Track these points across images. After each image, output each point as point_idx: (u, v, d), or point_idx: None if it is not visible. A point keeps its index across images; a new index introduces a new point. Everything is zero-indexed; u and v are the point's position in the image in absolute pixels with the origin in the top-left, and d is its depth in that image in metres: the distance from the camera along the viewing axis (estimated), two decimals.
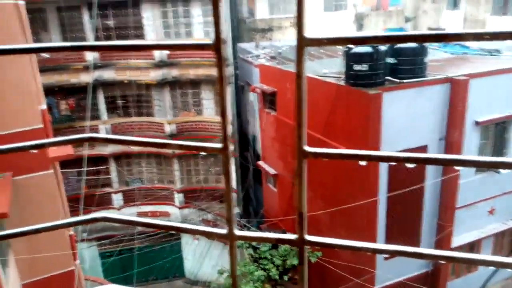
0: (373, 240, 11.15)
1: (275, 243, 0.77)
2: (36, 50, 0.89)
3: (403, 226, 11.52)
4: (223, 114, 0.73)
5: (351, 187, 11.24)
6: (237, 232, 0.76)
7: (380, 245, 0.76)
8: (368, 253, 0.74)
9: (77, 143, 0.85)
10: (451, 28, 23.85)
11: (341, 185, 11.71)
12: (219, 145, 0.75)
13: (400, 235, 11.44)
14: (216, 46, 0.75)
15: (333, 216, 11.89)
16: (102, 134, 0.88)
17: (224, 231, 0.78)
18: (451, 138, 11.07)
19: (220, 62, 0.76)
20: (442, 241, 11.75)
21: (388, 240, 11.38)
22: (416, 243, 11.67)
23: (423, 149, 11.15)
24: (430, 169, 11.12)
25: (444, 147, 11.19)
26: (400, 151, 10.60)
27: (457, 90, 10.74)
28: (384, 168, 10.71)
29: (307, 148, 0.69)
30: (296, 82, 0.68)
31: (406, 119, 10.65)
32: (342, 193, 11.57)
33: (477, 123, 11.26)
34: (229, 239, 0.77)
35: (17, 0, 9.11)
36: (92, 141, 0.91)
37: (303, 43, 0.66)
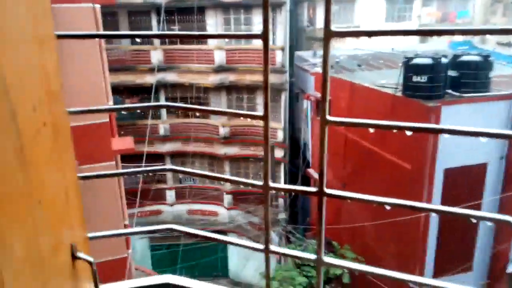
0: (423, 255, 10.81)
1: (298, 193, 0.94)
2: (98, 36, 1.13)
3: (456, 244, 11.04)
4: (265, 87, 0.93)
5: (403, 199, 10.96)
6: (271, 184, 0.95)
7: (395, 200, 0.91)
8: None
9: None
10: None
11: (392, 197, 11.45)
12: (260, 113, 0.95)
13: (452, 253, 10.97)
14: (264, 36, 0.95)
15: (380, 227, 11.66)
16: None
17: (260, 182, 0.97)
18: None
19: (266, 49, 0.96)
20: (496, 266, 11.11)
21: (438, 260, 10.97)
22: (468, 264, 11.13)
23: (482, 166, 10.67)
24: (488, 185, 10.62)
25: (505, 166, 10.62)
26: (458, 167, 10.23)
27: None
28: (439, 181, 10.38)
29: (329, 117, 0.86)
30: (322, 66, 0.86)
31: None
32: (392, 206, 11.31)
33: None
34: (263, 189, 0.96)
35: (94, 4, 9.98)
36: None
37: (329, 34, 0.84)
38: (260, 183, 0.97)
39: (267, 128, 0.95)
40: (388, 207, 0.90)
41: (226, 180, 1.05)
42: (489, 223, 0.78)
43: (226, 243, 1.01)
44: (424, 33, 0.82)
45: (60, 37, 0.93)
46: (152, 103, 1.07)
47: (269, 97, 0.95)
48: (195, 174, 1.05)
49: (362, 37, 0.88)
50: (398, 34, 0.84)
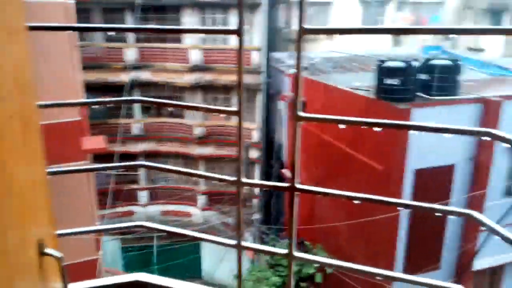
0: (392, 255, 11.06)
1: (271, 189, 0.96)
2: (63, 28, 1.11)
3: (424, 243, 11.35)
4: (239, 83, 0.94)
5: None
6: (244, 179, 0.96)
7: (364, 195, 0.93)
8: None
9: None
10: (491, 48, 23.36)
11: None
12: (234, 108, 0.95)
13: (421, 252, 11.28)
14: (238, 31, 0.96)
15: (352, 227, 11.86)
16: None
17: (233, 178, 0.97)
18: (480, 159, 10.88)
19: (240, 45, 0.97)
20: (463, 263, 11.50)
21: (408, 258, 11.25)
22: (437, 262, 11.47)
23: (450, 167, 11.02)
24: (457, 186, 10.98)
25: (473, 167, 11.01)
26: (427, 168, 10.52)
27: (489, 111, 10.59)
28: (410, 181, 10.65)
29: (301, 113, 0.88)
30: (295, 63, 0.87)
31: (435, 137, 10.55)
32: (365, 206, 11.54)
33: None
34: (236, 185, 0.97)
35: (67, 0, 9.75)
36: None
37: (302, 31, 0.85)
38: (233, 178, 0.98)
39: (240, 124, 0.96)
40: (356, 202, 0.92)
41: (199, 176, 1.05)
42: (452, 217, 0.81)
43: (197, 239, 1.01)
44: (390, 32, 0.85)
45: (31, 28, 0.91)
46: (124, 98, 1.06)
47: (242, 93, 0.96)
48: (167, 170, 1.05)
49: (334, 34, 0.90)
50: (368, 33, 0.86)
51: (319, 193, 0.89)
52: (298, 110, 0.85)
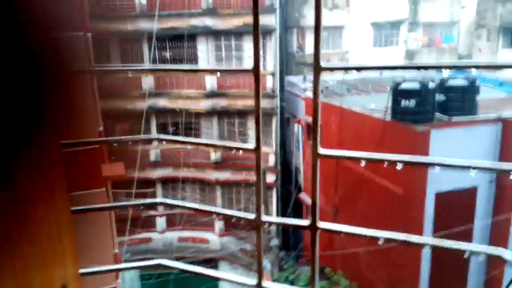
0: (416, 282, 10.70)
1: (292, 228, 0.93)
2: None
3: (448, 270, 10.96)
4: (257, 120, 0.93)
5: (395, 223, 10.94)
6: (264, 217, 0.94)
7: (388, 233, 0.90)
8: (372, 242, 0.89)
9: (146, 141, 1.08)
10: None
11: (385, 223, 11.43)
12: (251, 145, 0.95)
13: (445, 279, 10.89)
14: (255, 70, 0.96)
15: (374, 253, 11.56)
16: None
17: (252, 215, 0.96)
18: (502, 181, 10.58)
19: (257, 83, 0.97)
20: None
21: (432, 286, 10.87)
22: None
23: (472, 190, 10.74)
24: (479, 209, 10.66)
25: (495, 189, 10.70)
26: (448, 191, 10.26)
27: (509, 131, 10.36)
28: (431, 205, 10.40)
29: (321, 150, 0.87)
30: (313, 99, 0.87)
31: (455, 158, 10.33)
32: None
33: None
34: (255, 224, 0.95)
35: (86, 33, 10.09)
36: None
37: (319, 69, 0.85)
38: (252, 216, 0.96)
39: (259, 161, 0.95)
40: (381, 242, 0.89)
41: (218, 214, 1.04)
42: (480, 258, 0.78)
43: (216, 279, 0.99)
44: (407, 68, 0.84)
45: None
46: (143, 136, 1.07)
47: (261, 130, 0.95)
48: (186, 207, 1.04)
49: (350, 71, 0.90)
50: (385, 69, 0.85)
51: (342, 232, 0.87)
52: (318, 147, 0.83)
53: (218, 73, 0.96)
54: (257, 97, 0.92)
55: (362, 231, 0.86)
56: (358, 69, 0.83)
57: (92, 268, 1.06)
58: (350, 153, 0.85)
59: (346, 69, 0.83)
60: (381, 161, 0.84)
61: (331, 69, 0.85)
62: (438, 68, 0.80)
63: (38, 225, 0.73)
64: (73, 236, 0.95)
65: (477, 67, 0.77)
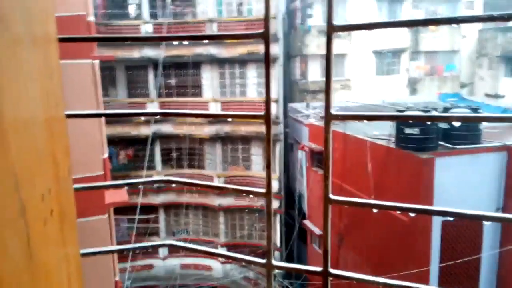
0: None
1: (304, 273, 0.94)
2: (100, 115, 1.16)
3: None
4: (268, 165, 0.95)
5: (401, 253, 10.77)
6: (275, 262, 0.94)
7: (402, 282, 0.90)
8: None
9: (155, 184, 1.09)
10: (510, 95, 23.23)
11: (390, 251, 11.26)
12: (263, 190, 0.96)
13: None
14: (266, 117, 0.98)
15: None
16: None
17: (263, 260, 0.96)
18: (509, 209, 10.46)
19: (268, 130, 0.99)
20: None
21: None
22: None
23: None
24: (487, 238, 10.49)
25: None
26: (455, 220, 10.11)
27: None
28: (437, 234, 10.25)
29: (332, 196, 0.88)
30: (324, 147, 0.88)
31: (460, 186, 10.29)
32: (392, 259, 11.10)
33: None
34: (266, 268, 0.95)
35: (93, 60, 10.30)
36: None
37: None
38: (263, 261, 0.96)
39: (270, 205, 0.96)
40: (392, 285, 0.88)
41: (228, 257, 1.04)
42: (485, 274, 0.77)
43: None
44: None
45: (68, 116, 0.96)
46: (150, 179, 1.08)
47: (271, 175, 0.96)
48: (195, 250, 1.04)
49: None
50: (396, 119, 0.87)
51: (354, 279, 0.87)
52: (329, 192, 0.84)
53: (229, 119, 0.98)
54: (268, 143, 0.93)
55: (375, 279, 0.85)
56: (369, 118, 0.85)
57: None
58: (361, 200, 0.86)
59: (357, 118, 0.85)
60: (393, 208, 0.85)
61: (342, 117, 0.87)
62: (449, 120, 0.81)
63: (49, 276, 0.73)
64: (81, 280, 0.95)
65: (485, 119, 0.79)
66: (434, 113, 10.74)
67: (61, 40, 0.96)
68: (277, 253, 18.78)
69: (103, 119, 11.24)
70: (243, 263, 0.97)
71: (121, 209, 16.06)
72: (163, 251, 20.17)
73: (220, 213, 19.77)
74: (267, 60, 0.90)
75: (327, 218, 0.88)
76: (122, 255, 14.59)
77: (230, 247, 19.68)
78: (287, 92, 21.74)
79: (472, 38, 26.13)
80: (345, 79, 24.03)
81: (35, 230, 0.66)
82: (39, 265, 0.68)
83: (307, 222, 16.32)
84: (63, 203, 0.81)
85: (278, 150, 18.86)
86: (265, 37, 0.92)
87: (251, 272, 18.78)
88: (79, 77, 9.66)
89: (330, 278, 0.88)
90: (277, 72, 18.37)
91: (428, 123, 10.44)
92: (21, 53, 0.73)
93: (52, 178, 0.77)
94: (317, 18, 23.26)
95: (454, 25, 25.01)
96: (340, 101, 21.12)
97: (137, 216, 14.60)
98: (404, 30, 24.22)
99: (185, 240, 19.89)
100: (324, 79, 0.85)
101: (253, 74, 18.88)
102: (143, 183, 1.10)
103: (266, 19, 0.88)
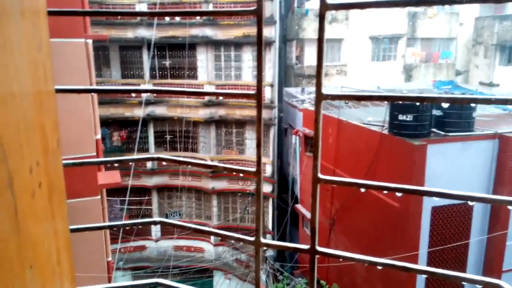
0: None
1: (292, 251, 0.95)
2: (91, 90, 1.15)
3: (443, 285, 10.94)
4: (258, 144, 0.95)
5: (391, 238, 10.93)
6: (263, 240, 0.95)
7: (386, 260, 0.92)
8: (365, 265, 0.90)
9: (146, 161, 1.09)
10: (504, 83, 23.33)
11: (380, 236, 11.43)
12: (253, 169, 0.96)
13: None
14: (258, 96, 0.98)
15: (370, 268, 11.53)
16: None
17: (252, 238, 0.97)
18: (499, 195, 10.62)
19: (259, 109, 0.99)
20: None
21: None
22: None
23: (468, 205, 10.76)
24: (475, 224, 10.67)
25: (491, 205, 10.73)
26: (445, 205, 10.28)
27: (505, 147, 10.43)
28: (427, 219, 10.40)
29: (321, 176, 0.88)
30: (314, 126, 0.89)
31: (451, 173, 10.40)
32: (381, 244, 11.27)
33: None
34: (255, 246, 0.96)
35: (86, 39, 10.14)
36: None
37: (321, 97, 0.87)
38: (252, 239, 0.97)
39: (259, 185, 0.97)
40: (379, 267, 0.90)
41: (218, 235, 1.05)
42: (478, 287, 0.79)
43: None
44: (408, 99, 0.86)
45: (58, 91, 0.95)
46: (143, 156, 1.07)
47: (261, 154, 0.97)
48: (186, 228, 1.05)
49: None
50: (387, 100, 0.87)
51: (340, 256, 0.88)
52: (318, 172, 0.85)
53: (220, 97, 0.98)
54: (259, 122, 0.93)
55: (360, 257, 0.87)
56: (360, 98, 0.85)
57: (89, 287, 1.06)
58: (349, 180, 0.87)
59: (348, 97, 0.85)
60: (380, 188, 0.86)
61: (333, 97, 0.87)
62: (440, 101, 0.82)
63: (37, 251, 0.74)
64: (71, 258, 0.95)
65: (475, 100, 0.79)
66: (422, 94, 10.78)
67: (51, 13, 0.95)
68: (269, 236, 18.97)
69: (96, 99, 11.13)
70: (233, 241, 0.98)
71: (114, 191, 16.07)
72: (155, 233, 20.29)
73: (213, 196, 19.86)
74: (259, 38, 0.89)
75: (316, 197, 0.89)
76: (115, 236, 14.65)
77: (222, 230, 19.82)
78: (282, 76, 21.63)
79: (469, 25, 26.06)
80: (341, 64, 23.93)
81: (23, 201, 0.66)
82: (26, 237, 0.68)
83: (299, 207, 16.46)
84: (51, 176, 0.81)
85: (272, 134, 18.87)
86: (258, 15, 0.92)
87: (243, 255, 18.98)
88: (72, 56, 9.52)
89: (317, 256, 0.89)
90: (272, 55, 18.24)
91: (421, 109, 10.48)
92: (8, 24, 0.72)
93: (41, 151, 0.77)
94: (314, 1, 23.01)
95: (452, 11, 24.91)
96: (335, 86, 21.09)
97: (127, 198, 14.62)
98: (402, 16, 24.07)
99: None
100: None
101: (248, 58, 18.73)
102: (134, 160, 1.10)
103: None
